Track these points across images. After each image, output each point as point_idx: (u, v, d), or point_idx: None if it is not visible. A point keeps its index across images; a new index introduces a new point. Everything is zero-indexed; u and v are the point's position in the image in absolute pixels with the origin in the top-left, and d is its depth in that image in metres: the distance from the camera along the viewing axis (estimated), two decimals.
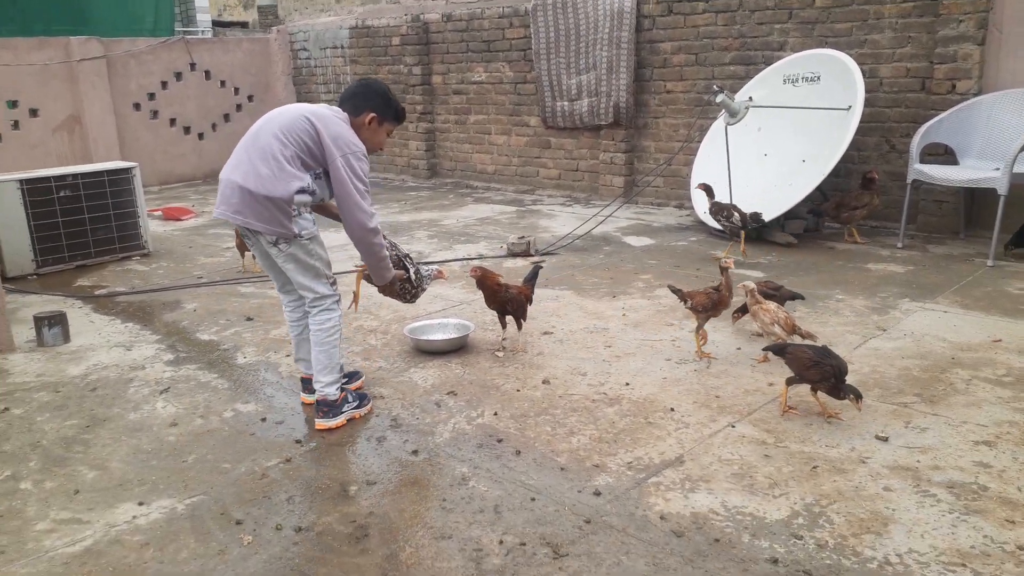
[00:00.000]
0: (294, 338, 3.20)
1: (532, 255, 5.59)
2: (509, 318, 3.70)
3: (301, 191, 2.82)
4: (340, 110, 2.98)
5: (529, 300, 3.74)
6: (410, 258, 3.43)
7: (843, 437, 2.81)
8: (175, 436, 2.97)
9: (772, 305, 3.47)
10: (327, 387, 2.99)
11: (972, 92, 5.65)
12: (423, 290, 3.46)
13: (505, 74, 8.57)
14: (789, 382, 2.99)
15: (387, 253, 3.12)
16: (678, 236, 6.19)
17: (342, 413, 3.01)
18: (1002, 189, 4.97)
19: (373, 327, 4.16)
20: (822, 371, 2.87)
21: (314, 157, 2.85)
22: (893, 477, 2.54)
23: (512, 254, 5.60)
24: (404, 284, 3.33)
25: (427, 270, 3.47)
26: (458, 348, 3.77)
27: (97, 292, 4.96)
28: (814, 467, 2.62)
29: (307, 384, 3.23)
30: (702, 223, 6.28)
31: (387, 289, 3.27)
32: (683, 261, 5.38)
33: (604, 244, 5.94)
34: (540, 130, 8.37)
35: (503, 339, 3.85)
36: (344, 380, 3.14)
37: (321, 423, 2.98)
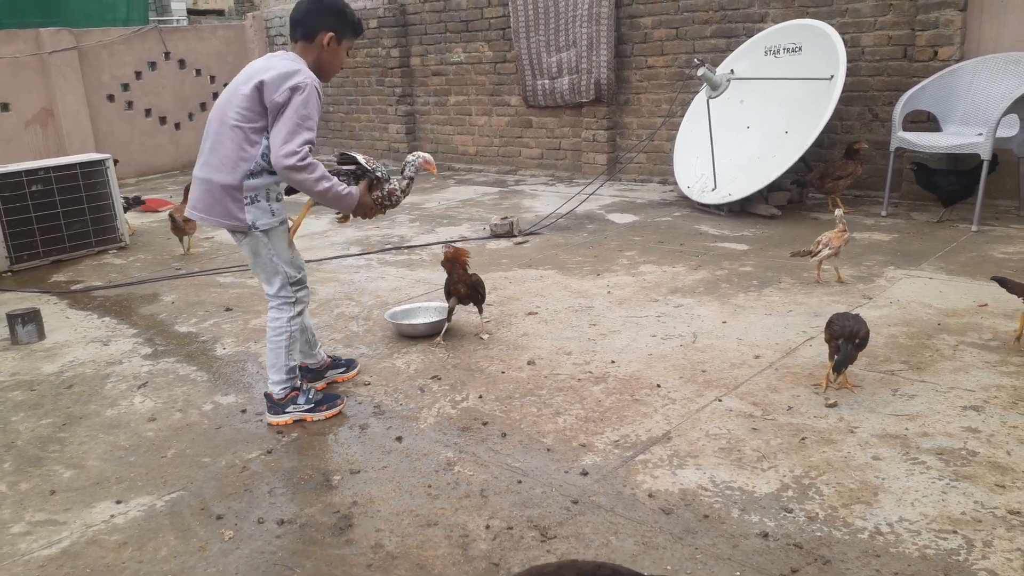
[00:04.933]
0: None
1: (515, 235, 5.53)
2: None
3: (252, 174, 2.67)
4: (291, 53, 2.76)
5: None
6: (373, 167, 2.96)
7: (831, 408, 2.78)
8: (153, 431, 2.91)
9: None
10: (272, 384, 2.91)
11: (954, 58, 5.61)
12: (408, 180, 3.06)
13: (484, 54, 8.45)
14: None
15: (330, 184, 2.69)
16: (662, 212, 6.14)
17: (286, 413, 2.89)
18: (985, 154, 4.94)
19: (355, 313, 4.10)
20: (830, 331, 2.85)
21: (264, 116, 2.66)
22: (882, 446, 2.52)
23: (495, 235, 5.54)
24: (373, 191, 2.94)
25: (415, 156, 3.11)
26: (441, 331, 3.72)
27: (73, 287, 4.87)
28: (802, 439, 2.59)
29: (304, 373, 3.18)
30: (685, 198, 6.23)
31: (365, 213, 2.94)
32: (667, 237, 5.33)
33: (588, 222, 5.88)
34: (521, 109, 8.27)
35: (487, 321, 3.80)
36: (311, 380, 3.08)
37: (267, 417, 2.92)
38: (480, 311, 3.70)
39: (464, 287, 3.58)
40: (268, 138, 2.66)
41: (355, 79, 9.61)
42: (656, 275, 4.48)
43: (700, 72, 6.22)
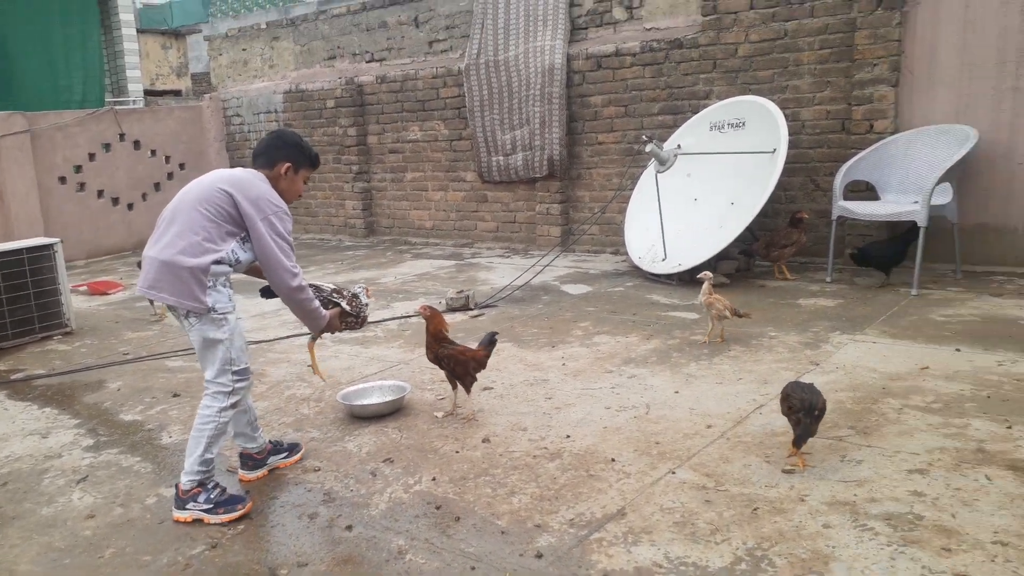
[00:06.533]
0: None
1: (472, 308, 5.55)
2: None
3: (218, 262, 2.76)
4: (256, 171, 2.95)
5: (481, 365, 3.55)
6: (339, 292, 3.32)
7: (782, 476, 2.80)
8: (91, 530, 2.80)
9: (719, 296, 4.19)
10: (183, 474, 2.82)
11: (889, 131, 5.90)
12: (365, 307, 3.38)
13: (440, 132, 8.65)
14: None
15: (315, 305, 3.06)
16: (614, 282, 6.23)
17: (185, 509, 2.78)
18: (922, 221, 5.15)
19: (306, 395, 4.04)
20: (788, 404, 2.87)
21: (236, 223, 2.82)
22: (832, 513, 2.53)
23: (451, 309, 5.56)
24: (345, 318, 3.27)
25: (359, 287, 3.42)
26: (395, 411, 3.68)
27: (13, 377, 4.72)
28: (755, 509, 2.59)
29: (245, 460, 3.10)
30: (637, 268, 6.35)
31: (332, 330, 3.21)
32: (620, 307, 5.41)
33: (543, 294, 5.94)
34: (477, 185, 8.43)
35: (441, 398, 3.77)
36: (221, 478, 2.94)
37: (173, 511, 2.82)
38: (453, 387, 3.60)
39: (430, 354, 3.56)
40: (238, 241, 2.83)
41: None
42: (610, 346, 4.52)
43: (648, 148, 6.44)
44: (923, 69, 5.78)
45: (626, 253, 6.72)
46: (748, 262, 6.15)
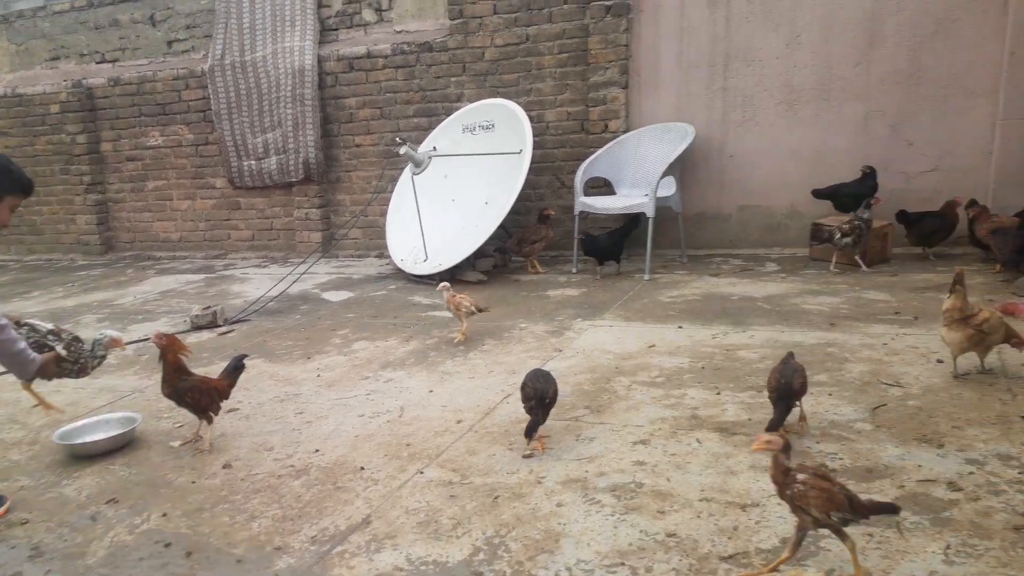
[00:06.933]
0: None
1: (220, 325, 5.21)
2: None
3: None
4: None
5: (224, 395, 3.31)
6: (56, 333, 3.03)
7: (523, 462, 2.92)
8: None
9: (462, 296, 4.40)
10: None
11: (622, 130, 6.41)
12: (98, 359, 3.12)
13: (185, 136, 8.05)
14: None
15: (21, 346, 2.75)
16: (377, 286, 6.19)
17: None
18: (650, 212, 5.65)
19: (17, 438, 3.55)
20: (524, 393, 2.97)
21: None
22: (565, 492, 2.68)
23: (197, 327, 5.18)
24: (61, 364, 2.98)
25: (101, 335, 3.14)
26: (124, 445, 3.34)
27: None
28: (495, 497, 2.67)
29: None
30: (401, 271, 6.35)
31: (46, 377, 2.91)
32: (382, 311, 5.37)
33: (301, 303, 5.74)
34: (228, 191, 7.96)
35: (178, 425, 3.49)
36: None
37: None
38: (199, 417, 3.30)
39: (168, 389, 3.25)
40: None
41: (34, 168, 8.59)
42: (368, 351, 4.46)
43: (403, 151, 6.45)
44: (649, 72, 6.34)
45: (389, 256, 6.69)
46: (504, 258, 6.39)
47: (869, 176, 5.57)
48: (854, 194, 5.52)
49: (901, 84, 5.70)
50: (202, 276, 7.08)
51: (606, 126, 6.48)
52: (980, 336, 3.22)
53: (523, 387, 3.03)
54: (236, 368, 3.38)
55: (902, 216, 5.43)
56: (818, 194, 5.73)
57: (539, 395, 2.95)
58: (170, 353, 3.24)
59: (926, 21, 5.56)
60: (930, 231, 5.34)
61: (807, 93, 5.96)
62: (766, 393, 2.95)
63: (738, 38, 6.07)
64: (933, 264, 5.36)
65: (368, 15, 7.22)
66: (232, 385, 3.36)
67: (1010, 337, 3.25)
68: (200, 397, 3.25)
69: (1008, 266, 4.74)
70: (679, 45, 6.25)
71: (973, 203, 5.18)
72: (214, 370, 4.27)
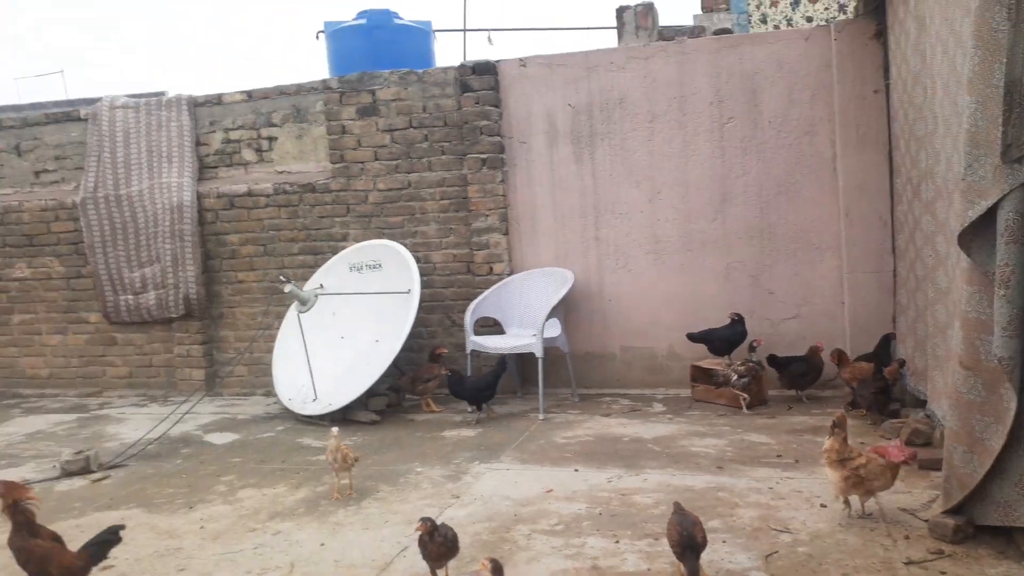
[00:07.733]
0: None
1: (93, 471, 4.86)
2: None
3: None
4: None
5: (82, 570, 2.95)
6: None
7: None
8: None
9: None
10: None
11: (506, 272, 6.70)
12: None
13: (55, 269, 7.71)
14: None
15: None
16: (265, 427, 5.99)
17: None
18: (538, 352, 5.87)
19: None
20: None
21: None
22: None
23: (67, 473, 4.81)
24: None
25: None
26: None
27: None
28: None
29: None
30: (289, 410, 6.19)
31: None
32: (269, 455, 5.19)
33: (183, 446, 5.46)
34: (103, 326, 7.58)
35: None
36: None
37: None
38: None
39: (19, 555, 2.96)
40: None
41: None
42: (256, 500, 4.28)
43: (287, 289, 6.46)
44: (527, 220, 6.74)
45: (277, 395, 6.52)
46: (398, 397, 6.37)
47: (737, 322, 6.06)
48: (725, 338, 5.98)
49: (756, 238, 6.33)
50: (75, 416, 6.61)
51: (491, 269, 6.77)
52: (857, 479, 3.40)
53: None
54: (104, 542, 3.05)
55: (772, 360, 5.87)
56: (692, 338, 6.15)
57: (438, 553, 2.95)
58: (3, 503, 2.92)
59: (769, 183, 6.26)
60: (799, 374, 5.75)
61: (672, 244, 6.48)
62: (667, 544, 2.98)
63: (605, 193, 6.57)
64: (807, 407, 5.59)
65: (248, 155, 7.33)
66: (88, 565, 2.97)
67: (894, 480, 3.41)
68: (30, 566, 2.88)
69: (872, 410, 5.13)
70: (552, 197, 6.68)
71: (837, 351, 5.58)
72: (85, 523, 3.99)
